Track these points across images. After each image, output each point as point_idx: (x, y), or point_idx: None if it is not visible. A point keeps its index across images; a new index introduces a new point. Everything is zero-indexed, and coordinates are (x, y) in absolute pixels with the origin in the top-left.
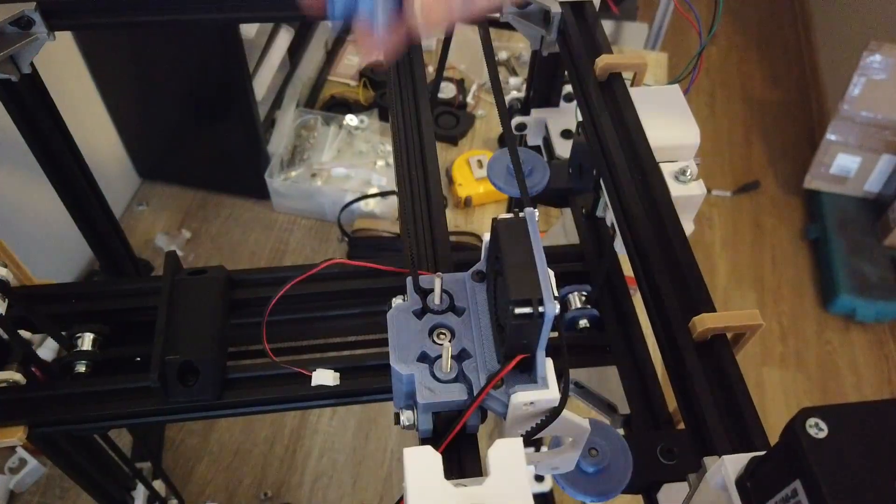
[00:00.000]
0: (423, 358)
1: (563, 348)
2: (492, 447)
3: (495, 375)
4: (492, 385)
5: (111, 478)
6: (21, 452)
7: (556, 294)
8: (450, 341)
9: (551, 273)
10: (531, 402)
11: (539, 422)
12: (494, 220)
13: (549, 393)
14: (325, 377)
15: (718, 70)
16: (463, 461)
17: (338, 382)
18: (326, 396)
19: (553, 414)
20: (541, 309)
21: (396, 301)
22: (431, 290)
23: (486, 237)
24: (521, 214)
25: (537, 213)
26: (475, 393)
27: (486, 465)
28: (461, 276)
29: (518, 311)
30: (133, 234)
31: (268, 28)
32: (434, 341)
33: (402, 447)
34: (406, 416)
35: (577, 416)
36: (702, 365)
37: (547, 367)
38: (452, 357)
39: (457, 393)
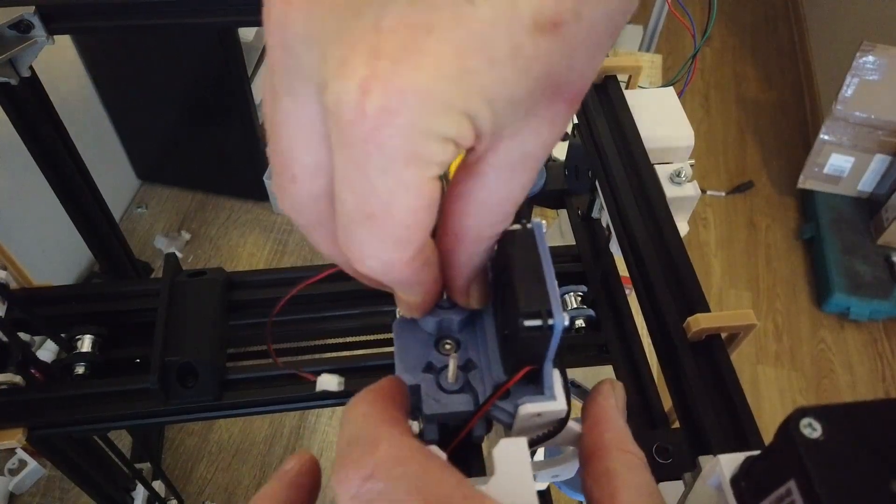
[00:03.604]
0: (429, 368)
1: (560, 352)
2: (496, 447)
3: (501, 386)
4: (497, 396)
5: (111, 479)
6: (21, 454)
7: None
8: (455, 352)
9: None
10: (539, 414)
11: (544, 433)
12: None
13: (556, 405)
14: (329, 383)
15: (713, 71)
16: (469, 462)
17: (342, 388)
18: (326, 397)
19: (559, 426)
20: (550, 321)
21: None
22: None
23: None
24: (528, 225)
25: (545, 224)
26: (481, 403)
27: (490, 465)
28: None
29: (527, 323)
30: (133, 236)
31: None
32: (440, 352)
33: None
34: (412, 426)
35: (579, 425)
36: (697, 364)
37: (555, 378)
38: (458, 367)
39: (463, 404)
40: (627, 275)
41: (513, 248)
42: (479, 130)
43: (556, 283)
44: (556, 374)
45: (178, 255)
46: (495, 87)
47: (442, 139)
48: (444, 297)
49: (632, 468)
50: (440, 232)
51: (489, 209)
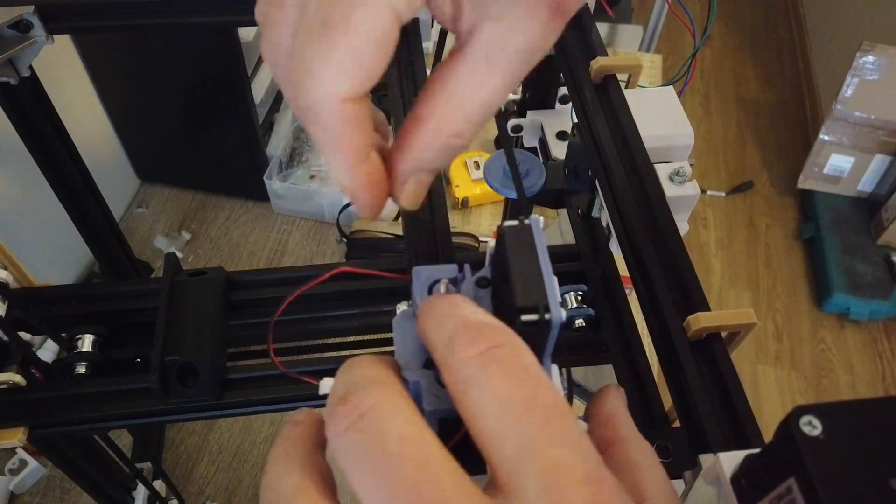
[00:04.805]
0: (429, 364)
1: (560, 350)
2: None
3: None
4: None
5: (111, 478)
6: (21, 454)
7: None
8: None
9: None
10: None
11: None
12: (500, 226)
13: None
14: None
15: (712, 71)
16: (469, 459)
17: None
18: (325, 396)
19: None
20: (547, 316)
21: (401, 307)
22: None
23: (491, 243)
24: (526, 221)
25: (542, 220)
26: None
27: None
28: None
29: (524, 318)
30: (133, 235)
31: None
32: None
33: None
34: None
35: (584, 424)
36: (697, 363)
37: (553, 373)
38: None
39: None
40: (627, 274)
41: (510, 243)
42: None
43: (553, 278)
44: (555, 369)
45: (179, 254)
46: None
47: None
48: (442, 290)
49: (652, 460)
50: (405, 119)
51: (456, 103)
